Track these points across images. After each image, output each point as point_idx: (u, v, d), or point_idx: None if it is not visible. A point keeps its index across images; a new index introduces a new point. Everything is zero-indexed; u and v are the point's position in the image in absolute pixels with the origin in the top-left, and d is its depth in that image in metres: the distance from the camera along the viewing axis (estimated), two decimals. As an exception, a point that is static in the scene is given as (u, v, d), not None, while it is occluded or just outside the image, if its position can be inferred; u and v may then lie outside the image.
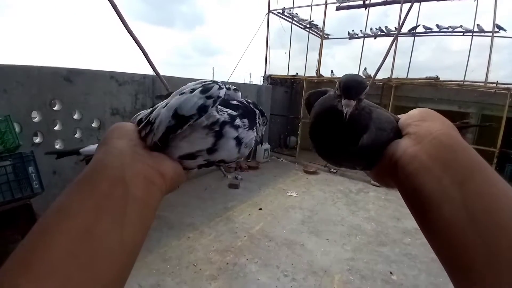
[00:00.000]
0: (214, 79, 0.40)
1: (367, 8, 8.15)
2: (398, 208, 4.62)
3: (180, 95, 0.36)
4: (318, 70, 7.99)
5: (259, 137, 0.46)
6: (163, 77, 3.66)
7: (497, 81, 6.93)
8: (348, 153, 0.39)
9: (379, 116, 0.39)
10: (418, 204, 0.32)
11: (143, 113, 0.40)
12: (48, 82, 3.23)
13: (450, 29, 7.63)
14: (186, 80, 4.76)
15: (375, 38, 8.49)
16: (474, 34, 7.33)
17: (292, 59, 8.96)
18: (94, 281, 0.25)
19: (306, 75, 8.49)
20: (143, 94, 4.39)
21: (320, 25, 8.27)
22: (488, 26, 6.87)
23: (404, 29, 7.74)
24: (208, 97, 0.35)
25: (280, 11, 8.58)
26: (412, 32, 8.11)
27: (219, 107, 0.38)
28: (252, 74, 16.71)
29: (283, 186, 5.53)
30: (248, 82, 11.64)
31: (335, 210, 4.56)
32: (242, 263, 3.01)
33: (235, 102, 0.42)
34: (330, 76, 8.44)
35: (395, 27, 7.56)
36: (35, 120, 3.19)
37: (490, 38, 6.51)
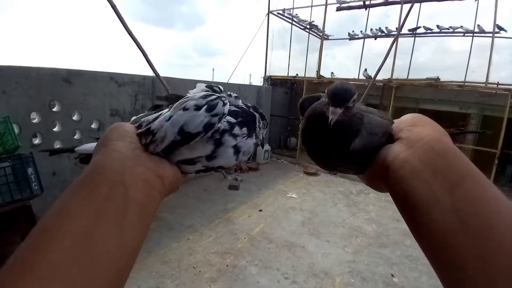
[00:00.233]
0: (217, 89, 0.41)
1: (367, 8, 8.16)
2: (399, 210, 4.59)
3: (184, 110, 0.36)
4: (318, 71, 7.98)
5: (260, 140, 0.46)
6: (163, 78, 3.65)
7: (498, 82, 6.93)
8: (339, 157, 0.40)
9: (371, 121, 0.40)
10: (409, 208, 0.32)
11: (145, 119, 0.39)
12: (47, 83, 3.22)
13: (451, 30, 7.65)
14: (186, 81, 4.76)
15: (375, 39, 8.50)
16: (475, 34, 7.34)
17: (292, 60, 8.98)
18: (94, 282, 0.25)
19: (306, 76, 8.49)
20: (142, 95, 4.38)
21: (320, 26, 8.27)
22: (488, 27, 6.88)
23: (405, 30, 7.75)
24: (214, 115, 0.36)
25: (280, 11, 8.59)
26: (413, 32, 8.12)
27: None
28: (252, 75, 16.71)
29: (283, 187, 5.52)
30: (248, 83, 11.64)
31: (336, 212, 4.54)
32: (242, 265, 2.99)
33: (233, 108, 0.42)
34: (330, 77, 8.44)
35: (396, 28, 7.56)
36: (34, 121, 3.18)
37: (491, 38, 6.51)
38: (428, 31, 7.94)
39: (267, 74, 8.77)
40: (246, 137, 0.41)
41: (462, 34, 7.65)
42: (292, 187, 5.58)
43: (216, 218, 3.97)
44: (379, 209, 4.68)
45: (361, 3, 8.02)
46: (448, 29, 7.67)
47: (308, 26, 9.06)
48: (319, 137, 0.40)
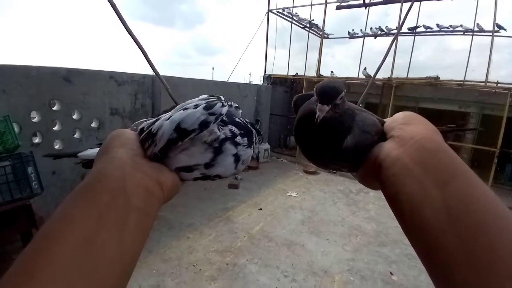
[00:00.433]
0: (218, 96, 0.41)
1: (367, 7, 8.15)
2: (399, 208, 4.59)
3: (183, 110, 0.37)
4: (318, 70, 7.98)
5: (256, 154, 0.48)
6: (163, 77, 3.65)
7: (497, 81, 6.92)
8: (332, 155, 0.40)
9: (364, 119, 0.40)
10: (400, 206, 0.33)
11: (146, 122, 0.40)
12: (47, 82, 3.22)
13: (451, 29, 7.64)
14: (186, 80, 4.75)
15: (375, 38, 8.49)
16: (475, 33, 7.33)
17: (292, 59, 8.97)
18: (96, 287, 0.26)
19: (306, 74, 8.49)
20: (142, 94, 4.38)
21: (320, 25, 8.26)
22: (488, 26, 6.87)
23: (405, 29, 7.74)
24: (211, 114, 0.36)
25: (280, 10, 8.58)
26: (413, 31, 8.11)
27: (223, 124, 0.40)
28: (252, 74, 16.69)
29: (283, 186, 5.52)
30: (248, 82, 11.63)
31: (335, 210, 4.55)
32: (242, 264, 3.00)
33: (237, 120, 0.43)
34: (330, 76, 8.43)
35: (396, 27, 7.55)
36: (34, 120, 3.18)
37: (491, 37, 6.50)
38: (428, 30, 7.93)
39: (267, 73, 8.76)
40: (246, 147, 0.42)
41: (462, 33, 7.64)
42: (292, 186, 5.58)
43: (216, 216, 3.98)
44: (378, 207, 4.69)
45: (361, 1, 8.00)
46: (448, 28, 7.66)
47: (308, 25, 9.05)
48: (311, 135, 0.40)
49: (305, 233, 3.75)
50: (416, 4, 7.09)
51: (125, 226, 0.30)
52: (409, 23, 7.91)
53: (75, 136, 3.60)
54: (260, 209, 4.35)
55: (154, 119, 0.40)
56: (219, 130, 0.39)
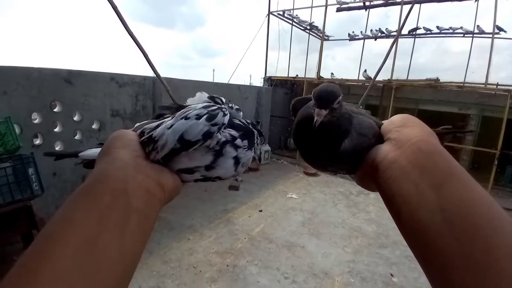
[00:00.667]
0: (220, 99, 0.42)
1: (367, 9, 8.17)
2: (399, 210, 4.58)
3: (185, 119, 0.37)
4: (318, 72, 7.99)
5: (258, 155, 0.48)
6: (164, 78, 3.66)
7: (497, 83, 6.92)
8: (330, 158, 0.40)
9: (361, 122, 0.41)
10: (396, 208, 0.33)
11: (147, 127, 0.40)
12: (48, 84, 3.23)
13: (451, 31, 7.65)
14: (186, 82, 4.76)
15: (375, 40, 8.51)
16: (475, 35, 7.34)
17: (293, 61, 9.00)
18: None
19: (306, 76, 8.50)
20: (143, 95, 4.39)
21: (321, 27, 8.28)
22: (488, 28, 6.88)
23: (405, 31, 7.76)
24: (214, 124, 0.37)
25: (281, 12, 8.60)
26: (413, 33, 8.12)
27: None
28: (252, 76, 16.74)
29: (283, 187, 5.52)
30: (248, 84, 11.64)
31: (336, 212, 4.55)
32: (242, 265, 3.00)
33: (237, 122, 0.43)
34: (330, 77, 8.44)
35: (396, 29, 7.57)
36: (35, 121, 3.19)
37: (491, 39, 6.51)
38: (428, 32, 7.94)
39: (267, 74, 8.78)
40: (246, 149, 0.42)
41: (462, 35, 7.65)
42: (292, 187, 5.58)
43: (216, 218, 3.98)
44: (379, 209, 4.69)
45: (361, 4, 8.03)
46: (448, 30, 7.67)
47: (308, 27, 9.08)
48: (310, 139, 0.41)
49: (306, 235, 3.74)
50: (416, 6, 7.10)
51: (126, 227, 0.30)
52: (409, 25, 7.94)
53: (76, 137, 3.61)
54: (261, 211, 4.35)
55: (155, 123, 0.40)
56: (219, 134, 0.39)
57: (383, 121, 0.43)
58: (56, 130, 3.39)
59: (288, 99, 8.70)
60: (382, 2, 7.76)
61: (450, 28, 7.62)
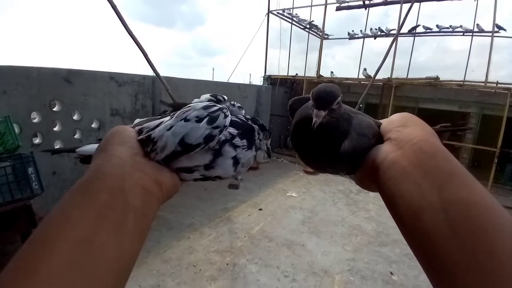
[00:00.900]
0: (222, 97, 0.41)
1: (367, 8, 8.16)
2: (399, 208, 4.59)
3: (185, 121, 0.37)
4: (318, 71, 7.99)
5: (265, 150, 0.47)
6: (163, 77, 3.66)
7: (497, 81, 6.93)
8: (329, 159, 0.40)
9: (360, 122, 0.40)
10: (398, 210, 0.32)
11: (146, 125, 0.39)
12: (47, 83, 3.23)
13: (450, 29, 7.64)
14: (186, 81, 4.76)
15: (375, 38, 8.49)
16: (474, 34, 7.34)
17: (292, 60, 8.99)
18: (94, 287, 0.26)
19: (306, 75, 8.50)
20: (143, 95, 4.39)
21: (320, 26, 8.27)
22: (488, 26, 6.87)
23: (404, 29, 7.75)
24: (215, 127, 0.37)
25: (280, 11, 8.59)
26: (412, 32, 8.12)
27: None
28: (252, 75, 16.73)
29: (283, 186, 5.53)
30: (248, 83, 11.64)
31: (336, 211, 4.55)
32: (242, 264, 3.00)
33: (234, 119, 0.42)
34: (330, 76, 8.44)
35: (395, 29, 7.56)
36: (35, 121, 3.19)
37: (490, 38, 6.51)
38: (428, 30, 7.94)
39: (267, 73, 8.77)
40: (246, 149, 0.41)
41: (461, 34, 7.65)
42: (292, 186, 5.59)
43: (216, 217, 3.98)
44: (378, 207, 4.69)
45: (361, 2, 8.02)
46: (447, 28, 7.66)
47: (308, 26, 9.07)
48: (309, 140, 0.40)
49: (305, 233, 3.75)
50: (416, 4, 7.10)
51: (123, 226, 0.29)
52: (409, 23, 7.94)
53: (76, 136, 3.61)
54: (260, 209, 4.35)
55: (154, 123, 0.39)
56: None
57: (382, 120, 0.42)
58: (55, 129, 3.40)
59: (287, 98, 8.70)
60: (381, 0, 7.76)
61: (450, 26, 7.62)
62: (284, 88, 8.71)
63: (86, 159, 0.43)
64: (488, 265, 0.24)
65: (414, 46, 8.34)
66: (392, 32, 7.91)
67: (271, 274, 2.88)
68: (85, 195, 0.30)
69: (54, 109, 3.36)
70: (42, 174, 2.51)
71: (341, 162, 0.40)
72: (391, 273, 3.03)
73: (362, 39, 8.67)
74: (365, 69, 7.96)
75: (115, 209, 0.29)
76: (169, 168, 0.38)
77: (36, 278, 0.23)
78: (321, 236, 3.71)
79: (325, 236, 3.72)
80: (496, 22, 6.48)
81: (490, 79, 6.54)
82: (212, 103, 0.40)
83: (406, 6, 5.74)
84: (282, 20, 8.85)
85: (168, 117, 0.39)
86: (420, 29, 7.97)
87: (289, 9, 8.61)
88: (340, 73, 8.56)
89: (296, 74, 8.79)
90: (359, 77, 8.09)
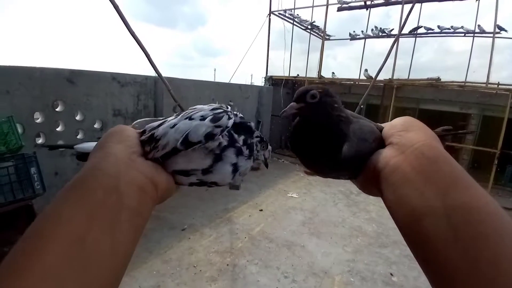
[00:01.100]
0: (225, 109, 0.41)
1: (368, 9, 8.15)
2: (399, 210, 4.58)
3: (189, 119, 0.37)
4: (319, 71, 7.99)
5: (263, 160, 0.48)
6: (165, 78, 3.68)
7: (498, 82, 6.91)
8: (331, 164, 0.40)
9: (362, 126, 0.40)
10: (401, 215, 0.32)
11: (149, 126, 0.40)
12: (50, 83, 3.24)
13: (452, 30, 7.63)
14: (187, 82, 4.77)
15: (378, 38, 8.47)
16: (476, 35, 7.33)
17: (294, 60, 8.99)
18: (86, 287, 0.26)
19: (307, 76, 8.50)
20: (145, 95, 4.40)
21: (322, 26, 8.28)
22: (489, 27, 6.86)
23: (406, 30, 7.74)
24: (217, 126, 0.37)
25: (282, 12, 8.60)
26: (414, 33, 8.11)
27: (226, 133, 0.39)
28: (253, 75, 16.73)
29: (283, 187, 5.53)
30: (249, 83, 11.64)
31: (336, 212, 4.56)
32: (242, 265, 3.01)
33: (241, 129, 0.43)
34: (331, 77, 8.44)
35: (395, 29, 7.56)
36: (38, 121, 3.21)
37: (492, 39, 6.50)
38: (429, 31, 7.93)
39: (268, 74, 8.78)
40: (247, 158, 0.41)
41: (463, 35, 7.64)
42: (292, 186, 5.59)
43: (216, 217, 3.99)
44: (379, 209, 4.69)
45: (362, 3, 8.02)
46: (449, 29, 7.66)
47: (309, 27, 9.07)
48: (307, 145, 0.41)
49: (306, 234, 3.75)
50: (417, 5, 7.09)
51: (117, 225, 0.29)
52: (410, 24, 7.94)
53: (78, 137, 3.63)
54: (261, 210, 4.36)
55: (157, 123, 0.40)
56: (222, 137, 0.38)
57: (383, 124, 0.42)
58: (58, 129, 3.42)
59: (289, 99, 8.70)
60: (383, 1, 7.75)
61: (451, 27, 7.61)
62: (285, 89, 8.71)
63: (83, 156, 0.43)
64: (490, 273, 0.24)
65: (415, 46, 8.35)
66: (393, 32, 7.91)
67: (271, 275, 2.89)
68: (78, 193, 0.29)
69: (57, 109, 3.38)
70: (45, 174, 2.53)
71: (342, 167, 0.40)
72: (391, 274, 3.03)
73: (364, 40, 8.66)
74: (366, 70, 7.96)
75: (109, 207, 0.29)
76: (165, 169, 0.37)
77: (28, 276, 0.23)
78: (321, 237, 3.72)
79: (326, 237, 3.72)
80: (497, 23, 6.47)
81: (492, 80, 6.53)
82: (218, 106, 0.41)
83: (407, 6, 5.74)
84: (283, 21, 8.86)
85: (173, 117, 0.40)
86: (421, 30, 7.96)
87: (290, 9, 8.62)
88: (341, 74, 8.56)
89: (298, 75, 8.80)
90: (361, 78, 8.09)
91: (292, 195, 5.13)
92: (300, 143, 0.42)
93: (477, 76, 7.05)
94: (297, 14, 8.82)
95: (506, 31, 6.68)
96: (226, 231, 3.65)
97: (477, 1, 7.05)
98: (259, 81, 11.41)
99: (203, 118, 0.37)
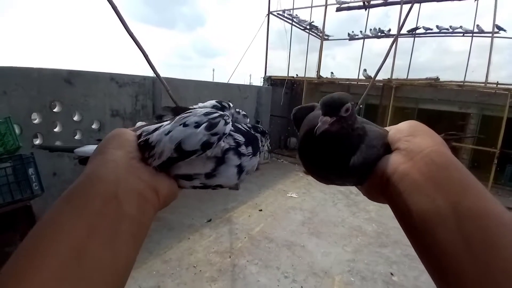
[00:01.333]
0: (221, 112, 0.38)
1: (367, 9, 8.17)
2: (399, 209, 4.59)
3: (183, 126, 0.35)
4: (318, 71, 7.99)
5: (267, 150, 0.46)
6: (164, 78, 3.67)
7: (497, 82, 6.94)
8: (338, 173, 0.38)
9: (370, 133, 0.39)
10: (411, 225, 0.31)
11: (145, 129, 0.38)
12: (48, 84, 3.23)
13: (450, 30, 7.65)
14: (186, 82, 4.76)
15: (378, 38, 8.48)
16: (474, 34, 7.35)
17: (292, 60, 9.01)
18: None
19: (306, 76, 8.50)
20: (143, 95, 4.39)
21: (320, 26, 8.28)
22: (488, 27, 6.89)
23: (404, 30, 7.76)
24: (213, 134, 0.35)
25: (280, 12, 8.60)
26: (412, 33, 8.12)
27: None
28: (252, 76, 16.75)
29: (283, 187, 5.53)
30: (248, 83, 11.65)
31: (336, 211, 4.55)
32: (242, 265, 3.00)
33: (242, 128, 0.41)
34: (330, 77, 8.45)
35: (398, 29, 7.57)
36: (35, 122, 3.19)
37: (490, 38, 6.52)
38: (428, 31, 7.95)
39: (267, 74, 8.78)
40: (251, 156, 0.40)
41: (461, 34, 7.66)
42: (292, 186, 5.59)
43: (216, 218, 3.98)
44: (379, 208, 4.69)
45: (361, 3, 8.03)
46: (447, 29, 7.68)
47: (308, 27, 9.08)
48: (317, 154, 0.38)
49: (306, 234, 3.75)
50: (416, 5, 7.10)
51: (117, 235, 0.28)
52: (409, 24, 7.96)
53: (76, 137, 3.61)
54: (261, 210, 4.35)
55: (153, 127, 0.38)
56: (222, 141, 0.37)
57: (387, 128, 0.41)
58: (56, 130, 3.40)
59: (288, 99, 8.71)
60: (381, 1, 7.76)
61: (450, 27, 7.63)
62: (284, 89, 8.71)
63: (85, 160, 0.42)
64: (505, 284, 0.23)
65: (414, 46, 8.37)
66: (392, 32, 7.93)
67: (271, 275, 2.88)
68: (77, 202, 0.28)
69: (55, 110, 3.36)
70: (43, 175, 2.51)
71: (349, 175, 0.38)
72: (392, 274, 3.02)
73: (362, 40, 8.68)
74: (365, 70, 7.97)
75: (109, 217, 0.28)
76: (167, 174, 0.36)
77: None
78: (321, 237, 3.71)
79: (325, 237, 3.72)
80: (496, 23, 6.49)
81: (490, 79, 6.55)
82: (214, 110, 0.38)
83: (406, 7, 5.75)
84: (282, 21, 8.87)
85: (168, 121, 0.38)
86: (420, 30, 7.98)
87: (289, 10, 8.63)
88: (340, 74, 8.56)
89: (296, 75, 8.80)
90: (359, 77, 8.10)
91: (291, 195, 5.13)
92: (311, 152, 0.40)
93: (476, 75, 7.07)
94: (296, 14, 8.83)
95: (505, 30, 6.70)
96: (226, 231, 3.64)
97: (476, 1, 7.08)
98: (258, 81, 11.43)
99: (197, 124, 0.35)
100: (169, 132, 0.35)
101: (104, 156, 0.33)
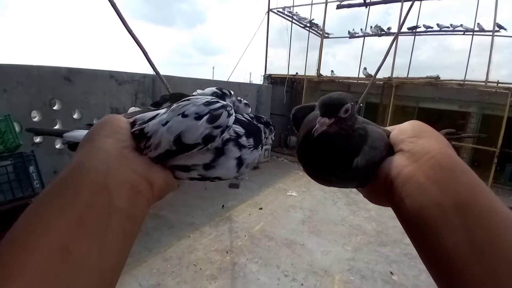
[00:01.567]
0: (223, 102, 0.35)
1: (368, 6, 8.14)
2: (399, 208, 4.60)
3: (182, 116, 0.33)
4: (318, 70, 7.98)
5: (270, 144, 0.45)
6: (163, 76, 3.67)
7: (497, 81, 6.92)
8: (340, 176, 0.37)
9: (372, 134, 0.37)
10: (416, 229, 0.30)
11: (139, 117, 0.36)
12: (48, 82, 3.22)
13: (451, 28, 7.63)
14: (186, 80, 4.75)
15: (379, 36, 8.45)
16: (475, 33, 7.32)
17: (292, 59, 8.97)
18: None
19: (306, 74, 8.49)
20: (143, 93, 4.38)
21: (321, 24, 8.26)
22: (488, 25, 6.86)
23: (405, 28, 7.74)
24: (216, 127, 0.33)
25: (280, 9, 8.57)
26: (413, 31, 8.10)
27: None
28: (252, 74, 16.73)
29: (283, 185, 5.53)
30: (248, 82, 11.63)
31: (336, 210, 4.56)
32: (242, 263, 3.01)
33: (243, 118, 0.39)
34: (330, 75, 8.43)
35: (398, 27, 7.55)
36: (35, 119, 3.19)
37: (491, 37, 6.50)
38: (428, 29, 7.92)
39: (267, 72, 8.76)
40: (252, 149, 0.38)
41: (462, 33, 7.63)
42: (292, 185, 5.59)
43: (216, 216, 3.99)
44: (379, 207, 4.64)
45: (361, 1, 7.99)
46: (448, 27, 7.65)
47: (308, 24, 9.05)
48: (316, 156, 0.37)
49: (306, 233, 3.75)
50: (417, 3, 7.08)
51: (107, 231, 0.26)
52: (410, 22, 7.92)
53: (76, 135, 3.61)
54: (261, 209, 4.36)
55: (149, 115, 0.35)
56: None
57: (389, 128, 0.40)
58: (56, 128, 3.39)
59: (288, 97, 8.70)
60: (382, -1, 7.74)
61: (451, 25, 7.60)
62: (284, 87, 8.70)
63: (75, 145, 0.38)
64: (509, 283, 0.23)
65: (414, 45, 8.33)
66: (392, 30, 7.91)
67: (271, 274, 2.89)
68: (64, 193, 0.26)
69: (54, 107, 3.36)
70: (43, 173, 2.52)
71: (351, 178, 0.37)
72: (391, 272, 3.03)
73: (363, 38, 8.65)
74: (365, 68, 7.95)
75: (98, 210, 0.26)
76: (163, 165, 0.34)
77: None
78: (321, 235, 3.72)
79: (325, 235, 3.72)
80: (496, 21, 6.47)
81: (491, 78, 6.53)
82: (215, 99, 0.35)
83: (407, 4, 5.73)
84: (282, 19, 8.84)
85: (164, 110, 0.35)
86: (420, 28, 7.96)
87: (289, 7, 8.59)
88: (340, 72, 8.57)
89: (297, 73, 8.78)
90: (360, 76, 8.08)
91: (291, 193, 5.13)
92: (310, 154, 0.38)
93: (477, 74, 7.05)
94: (296, 12, 8.80)
95: (505, 29, 6.68)
96: (226, 230, 3.65)
97: (477, 0, 7.05)
98: (258, 80, 11.42)
99: (198, 116, 0.32)
100: (166, 122, 0.33)
101: (95, 144, 0.30)
